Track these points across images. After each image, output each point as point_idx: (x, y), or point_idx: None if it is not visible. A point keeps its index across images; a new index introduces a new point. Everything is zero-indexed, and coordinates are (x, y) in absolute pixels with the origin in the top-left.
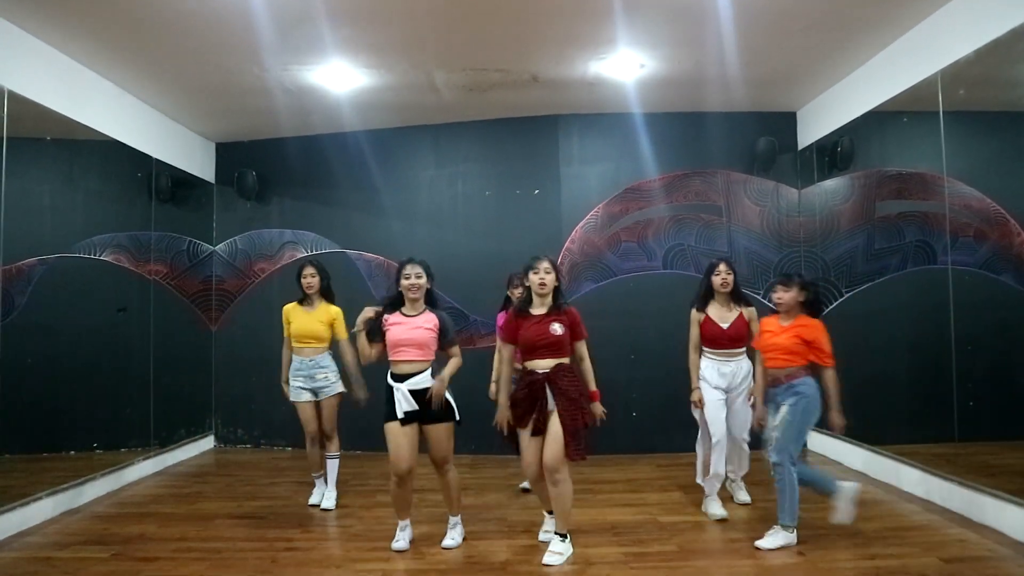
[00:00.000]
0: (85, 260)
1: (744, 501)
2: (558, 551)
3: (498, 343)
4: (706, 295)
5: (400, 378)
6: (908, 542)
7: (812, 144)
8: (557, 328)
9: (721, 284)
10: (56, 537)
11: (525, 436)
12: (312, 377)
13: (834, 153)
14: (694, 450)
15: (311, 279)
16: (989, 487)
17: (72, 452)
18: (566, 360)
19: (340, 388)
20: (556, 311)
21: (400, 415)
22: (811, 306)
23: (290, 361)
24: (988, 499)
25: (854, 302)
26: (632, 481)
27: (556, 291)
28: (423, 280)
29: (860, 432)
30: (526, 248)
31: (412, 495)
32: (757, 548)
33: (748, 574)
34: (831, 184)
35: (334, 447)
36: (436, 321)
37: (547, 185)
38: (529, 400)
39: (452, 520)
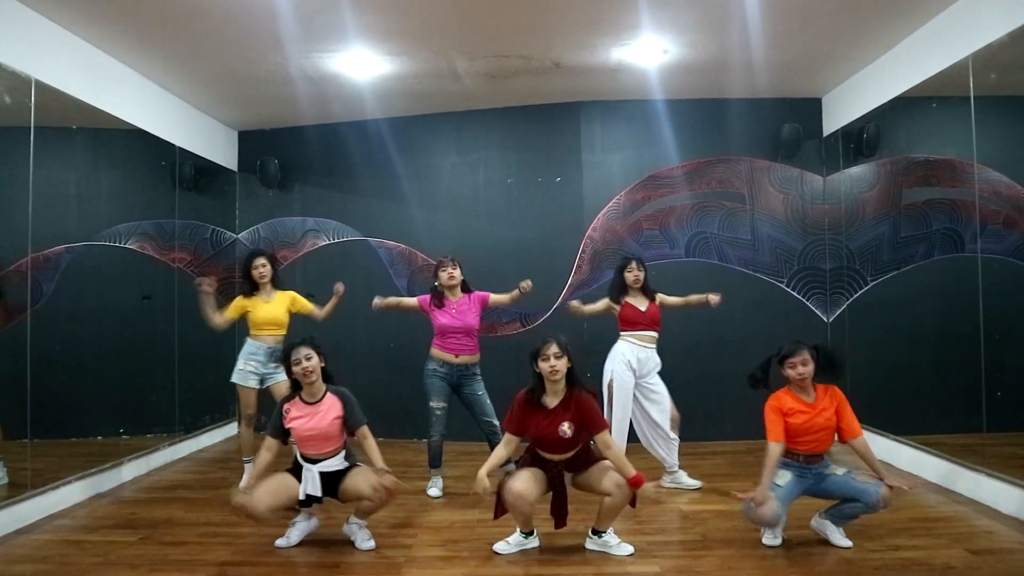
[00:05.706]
0: (111, 248)
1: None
2: None
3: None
4: (621, 289)
5: (311, 460)
6: (934, 533)
7: (837, 130)
8: (566, 429)
9: (634, 281)
10: (85, 520)
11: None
12: (265, 364)
13: (860, 140)
14: (715, 439)
15: (263, 269)
16: (1018, 479)
17: (99, 437)
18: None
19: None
20: (565, 402)
21: (302, 496)
22: (826, 371)
23: (214, 308)
24: (1016, 491)
25: (879, 291)
26: (654, 469)
27: (570, 373)
28: (314, 361)
29: (886, 422)
30: (548, 236)
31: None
32: None
33: (773, 564)
34: (856, 171)
35: None
36: (340, 405)
37: (569, 172)
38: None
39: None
